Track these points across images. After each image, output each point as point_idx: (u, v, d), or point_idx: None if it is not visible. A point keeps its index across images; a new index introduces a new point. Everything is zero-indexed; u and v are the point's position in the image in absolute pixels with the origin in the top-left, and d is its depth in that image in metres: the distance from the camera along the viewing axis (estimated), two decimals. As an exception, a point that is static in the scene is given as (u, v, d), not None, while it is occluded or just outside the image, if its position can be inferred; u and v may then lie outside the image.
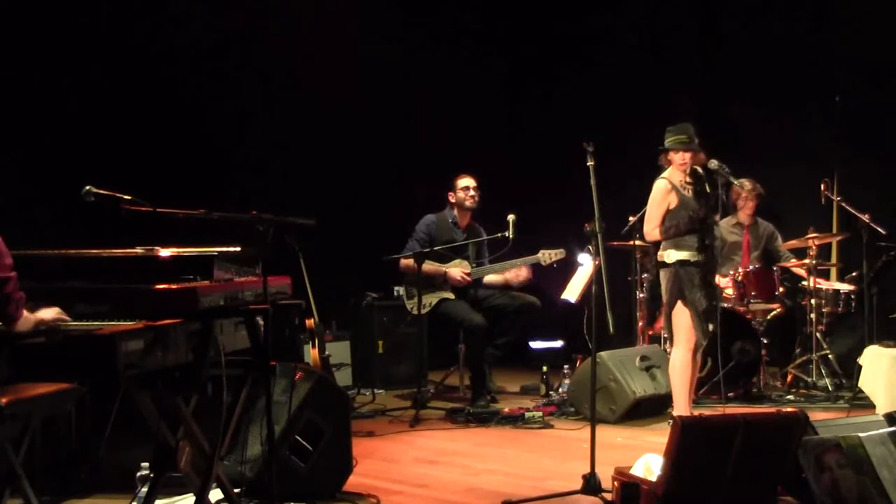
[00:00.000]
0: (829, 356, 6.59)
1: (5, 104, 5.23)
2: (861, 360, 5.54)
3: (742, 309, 6.44)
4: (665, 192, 5.24)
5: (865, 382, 5.46)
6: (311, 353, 5.97)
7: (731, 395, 6.17)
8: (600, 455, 4.00)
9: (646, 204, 5.35)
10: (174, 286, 3.07)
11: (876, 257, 6.51)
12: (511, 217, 6.29)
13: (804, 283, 6.69)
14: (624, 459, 3.99)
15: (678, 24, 8.35)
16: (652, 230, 5.29)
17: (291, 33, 7.02)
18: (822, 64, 7.33)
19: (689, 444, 3.44)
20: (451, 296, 6.46)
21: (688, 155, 5.22)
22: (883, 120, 7.00)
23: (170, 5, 6.32)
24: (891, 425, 3.64)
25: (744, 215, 6.97)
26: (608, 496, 3.85)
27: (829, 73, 7.27)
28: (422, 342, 6.71)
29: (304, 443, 4.04)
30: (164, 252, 3.28)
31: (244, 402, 3.54)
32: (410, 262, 6.36)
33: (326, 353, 6.10)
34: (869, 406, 5.44)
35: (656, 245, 5.40)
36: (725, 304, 6.34)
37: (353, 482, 4.21)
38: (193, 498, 3.41)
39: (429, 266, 6.36)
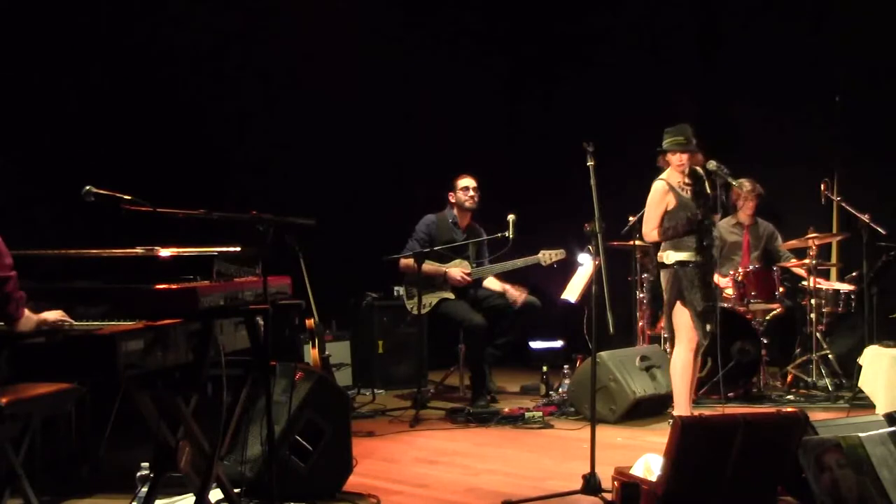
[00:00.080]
0: (829, 356, 6.59)
1: (5, 104, 5.23)
2: (861, 360, 5.54)
3: (742, 309, 6.44)
4: (663, 193, 5.25)
5: (865, 382, 5.46)
6: (311, 353, 5.97)
7: (731, 395, 6.18)
8: (600, 455, 4.00)
9: (645, 204, 5.36)
10: (174, 286, 3.08)
11: (876, 257, 6.51)
12: (511, 217, 6.29)
13: (804, 283, 6.69)
14: (624, 459, 3.99)
15: (678, 24, 8.35)
16: (650, 231, 5.30)
17: (291, 33, 7.02)
18: (822, 64, 7.33)
19: (689, 444, 3.44)
20: (451, 296, 6.46)
21: (685, 156, 5.22)
22: (883, 120, 7.00)
23: (170, 5, 6.32)
24: (891, 425, 3.64)
25: (744, 215, 6.97)
26: (608, 496, 3.85)
27: (829, 73, 7.27)
28: (422, 342, 6.71)
29: (304, 443, 4.04)
30: (164, 252, 3.28)
31: (244, 402, 3.54)
32: (410, 262, 6.36)
33: (326, 353, 6.10)
34: (869, 406, 5.44)
35: (657, 245, 5.40)
36: (725, 304, 6.34)
37: (353, 482, 4.21)
38: (193, 498, 3.41)
39: (429, 266, 6.36)
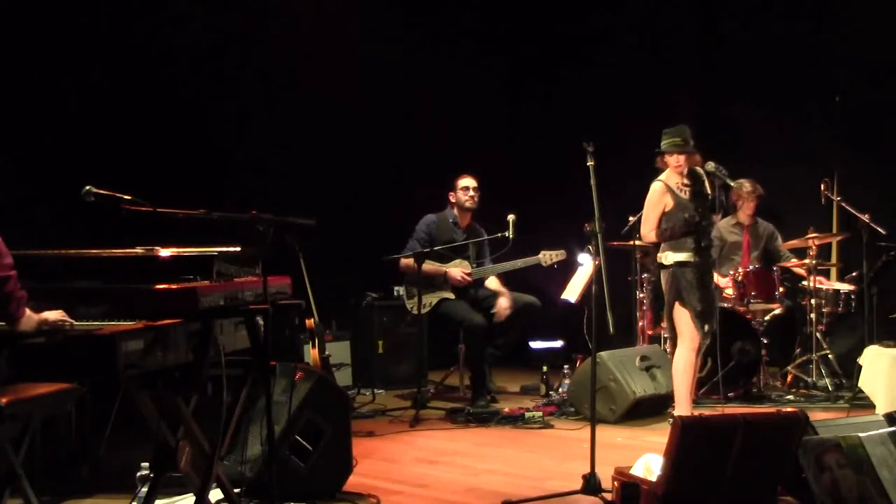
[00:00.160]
0: (829, 356, 6.59)
1: (5, 104, 5.23)
2: (861, 360, 5.54)
3: (742, 309, 6.44)
4: (660, 194, 5.26)
5: (865, 382, 5.46)
6: (311, 353, 5.97)
7: (731, 395, 6.19)
8: (600, 455, 4.00)
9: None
10: (174, 286, 3.08)
11: (876, 257, 6.51)
12: (511, 217, 6.29)
13: (804, 283, 6.69)
14: (624, 459, 3.99)
15: (678, 24, 8.35)
16: (648, 232, 5.32)
17: (291, 33, 7.02)
18: (822, 64, 7.33)
19: (689, 444, 3.44)
20: (451, 296, 6.46)
21: (682, 157, 5.23)
22: (883, 120, 7.00)
23: (170, 5, 6.32)
24: (891, 425, 3.64)
25: (744, 215, 6.97)
26: (608, 496, 3.85)
27: (829, 73, 7.27)
28: (422, 342, 6.71)
29: (304, 443, 4.04)
30: (164, 252, 3.28)
31: (244, 402, 3.54)
32: (410, 261, 6.36)
33: (326, 353, 6.10)
34: (869, 406, 5.44)
35: (657, 245, 5.41)
36: (725, 304, 6.34)
37: (353, 482, 4.21)
38: (193, 498, 3.41)
39: (429, 266, 6.36)
